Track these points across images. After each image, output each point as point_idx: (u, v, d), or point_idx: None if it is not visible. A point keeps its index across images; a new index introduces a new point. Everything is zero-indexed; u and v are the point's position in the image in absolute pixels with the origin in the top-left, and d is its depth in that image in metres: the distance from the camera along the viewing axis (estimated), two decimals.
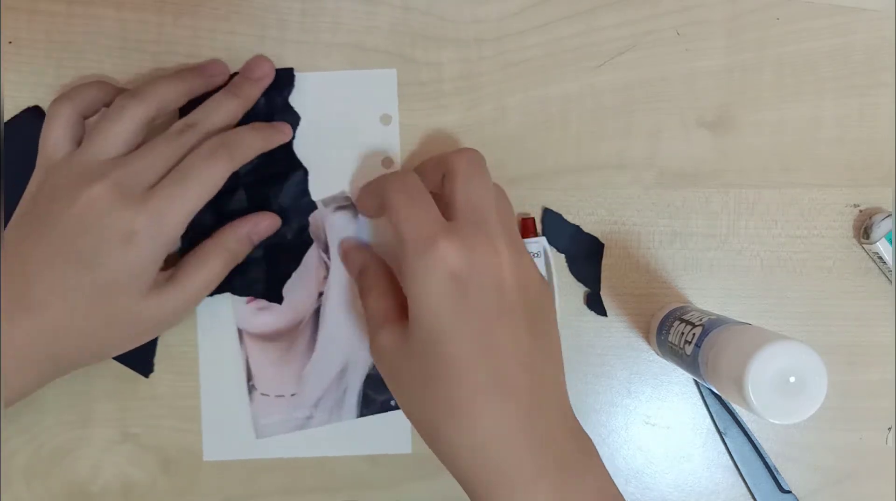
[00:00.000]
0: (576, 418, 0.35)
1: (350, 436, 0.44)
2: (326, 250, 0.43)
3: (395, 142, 0.43)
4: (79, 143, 0.38)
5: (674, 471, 0.45)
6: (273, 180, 0.42)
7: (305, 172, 0.43)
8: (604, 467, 0.34)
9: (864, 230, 0.43)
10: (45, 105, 0.42)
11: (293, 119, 0.43)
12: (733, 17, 0.44)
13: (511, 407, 0.32)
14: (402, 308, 0.36)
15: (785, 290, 0.44)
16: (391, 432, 0.44)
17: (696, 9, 0.44)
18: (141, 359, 0.43)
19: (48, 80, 0.43)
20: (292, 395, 0.43)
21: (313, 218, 0.43)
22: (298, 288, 0.43)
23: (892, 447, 0.44)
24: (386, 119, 0.43)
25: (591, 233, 0.44)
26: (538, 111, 0.44)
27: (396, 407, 0.43)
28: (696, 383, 0.44)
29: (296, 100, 0.43)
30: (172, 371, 0.43)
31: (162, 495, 0.44)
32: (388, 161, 0.43)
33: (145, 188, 0.36)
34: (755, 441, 0.44)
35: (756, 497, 0.44)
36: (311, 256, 0.43)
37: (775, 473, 0.44)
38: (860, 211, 0.44)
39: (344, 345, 0.43)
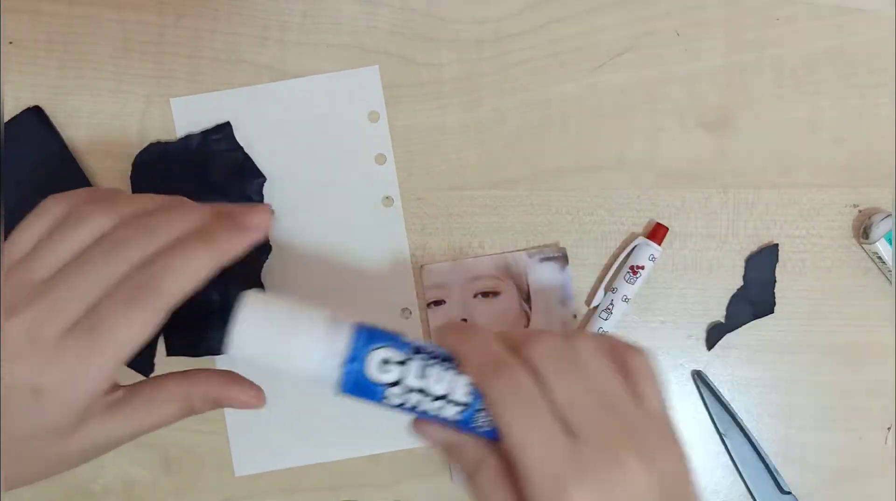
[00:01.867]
0: None
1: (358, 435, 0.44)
2: (528, 299, 0.43)
3: (385, 139, 0.44)
4: None
5: None
6: (232, 184, 0.42)
7: (264, 179, 0.43)
8: None
9: (863, 230, 0.43)
10: (45, 105, 0.43)
11: (255, 174, 0.43)
12: (733, 17, 0.44)
13: None
14: None
15: (784, 290, 0.44)
16: (392, 429, 0.44)
17: (695, 9, 0.44)
18: (141, 359, 0.43)
19: (49, 80, 0.43)
20: None
21: (515, 266, 0.43)
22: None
23: (891, 446, 0.44)
24: (374, 116, 0.43)
25: (591, 233, 0.44)
26: (538, 112, 0.44)
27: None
28: (696, 383, 0.44)
29: (283, 106, 0.43)
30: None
31: (163, 494, 0.44)
32: (381, 158, 0.44)
33: (62, 331, 0.29)
34: (755, 442, 0.44)
35: (756, 497, 0.44)
36: (512, 305, 0.43)
37: (775, 473, 0.44)
38: (859, 211, 0.44)
39: None
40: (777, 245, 0.44)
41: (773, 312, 0.44)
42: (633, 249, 0.43)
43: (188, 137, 0.43)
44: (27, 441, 0.31)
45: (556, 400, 0.29)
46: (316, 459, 0.44)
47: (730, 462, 0.44)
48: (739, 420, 0.44)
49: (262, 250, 0.42)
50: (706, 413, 0.44)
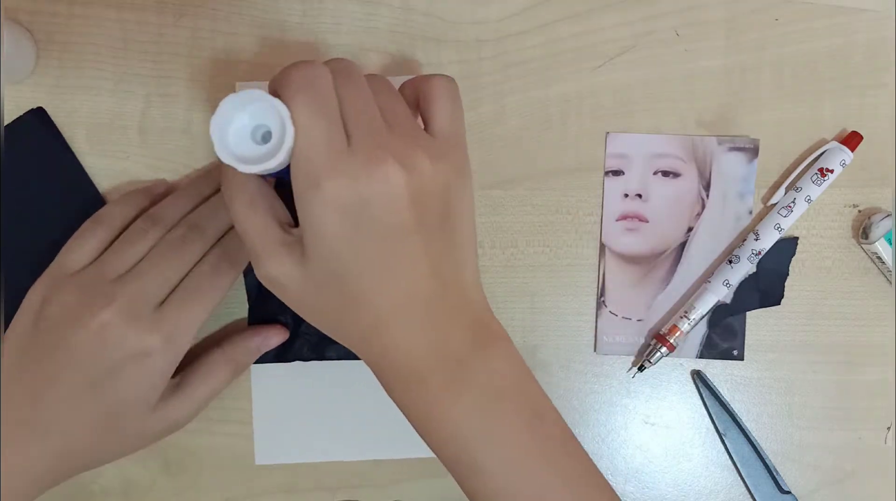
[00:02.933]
0: (485, 307, 0.35)
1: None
2: (708, 187, 0.43)
3: None
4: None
5: (673, 471, 0.45)
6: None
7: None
8: (504, 352, 0.35)
9: (862, 230, 0.43)
10: (46, 106, 0.42)
11: None
12: (732, 17, 0.44)
13: (415, 323, 0.33)
14: (286, 227, 0.34)
15: (785, 289, 0.44)
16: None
17: (695, 9, 0.44)
18: None
19: (49, 81, 0.43)
20: (638, 320, 0.44)
21: (702, 150, 0.43)
22: (670, 218, 0.43)
23: (891, 446, 0.44)
24: None
25: (591, 233, 0.44)
26: (538, 112, 0.44)
27: (737, 358, 0.44)
28: (695, 383, 0.44)
29: None
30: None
31: (162, 495, 0.44)
32: None
33: (154, 307, 0.37)
34: (754, 441, 0.44)
35: (755, 496, 0.44)
36: (691, 189, 0.44)
37: (775, 473, 0.44)
38: (859, 211, 0.44)
39: (699, 284, 0.44)
40: (797, 239, 0.44)
41: (779, 303, 0.44)
42: (824, 152, 0.43)
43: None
44: (120, 411, 0.37)
45: (343, 108, 0.32)
46: (339, 456, 0.44)
47: (729, 462, 0.44)
48: (739, 420, 0.44)
49: None
50: (706, 413, 0.44)
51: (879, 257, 0.43)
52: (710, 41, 0.44)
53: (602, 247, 0.44)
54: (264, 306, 0.43)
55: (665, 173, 0.44)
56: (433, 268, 0.33)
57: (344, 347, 0.35)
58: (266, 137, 0.32)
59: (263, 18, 0.43)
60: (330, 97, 0.32)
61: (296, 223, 0.33)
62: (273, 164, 0.31)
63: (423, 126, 0.35)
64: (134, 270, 0.38)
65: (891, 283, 0.44)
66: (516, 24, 0.43)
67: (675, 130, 0.44)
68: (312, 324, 0.35)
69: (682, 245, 0.44)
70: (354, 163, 0.31)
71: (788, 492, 0.44)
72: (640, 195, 0.44)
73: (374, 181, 0.31)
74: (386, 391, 0.35)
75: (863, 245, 0.44)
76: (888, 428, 0.44)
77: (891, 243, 0.42)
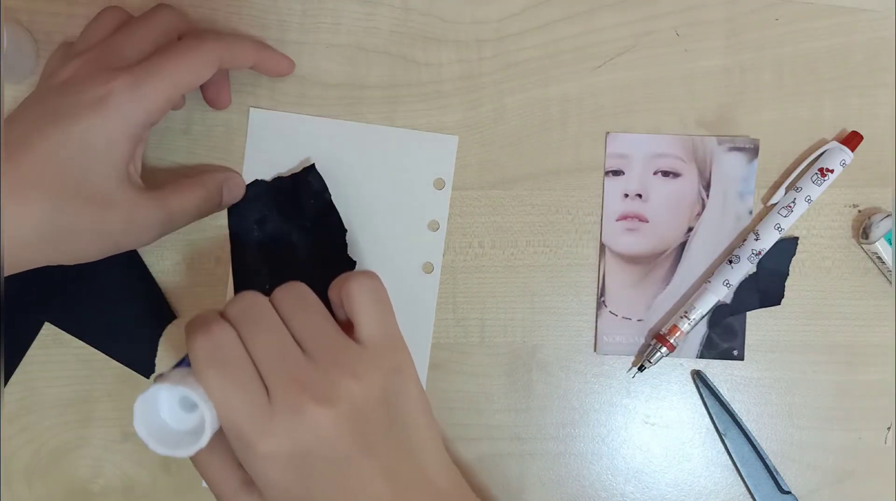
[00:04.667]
0: (456, 486, 0.35)
1: None
2: (708, 187, 0.43)
3: (444, 207, 0.44)
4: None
5: (673, 471, 0.45)
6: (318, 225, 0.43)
7: (346, 231, 0.43)
8: None
9: (862, 230, 0.43)
10: None
11: (338, 224, 0.43)
12: (732, 17, 0.44)
13: None
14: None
15: (785, 289, 0.44)
16: None
17: (695, 9, 0.44)
18: (141, 359, 0.43)
19: None
20: (638, 320, 0.44)
21: (702, 150, 0.43)
22: (670, 218, 0.44)
23: (891, 446, 0.44)
24: (439, 184, 0.44)
25: (591, 233, 0.44)
26: (538, 112, 0.44)
27: (737, 358, 0.44)
28: (696, 383, 0.44)
29: (349, 149, 0.43)
30: None
31: (163, 494, 0.44)
32: (434, 224, 0.44)
33: (125, 63, 0.36)
34: (754, 441, 0.44)
35: (755, 496, 0.44)
36: (691, 189, 0.44)
37: (774, 473, 0.44)
38: (859, 211, 0.44)
39: (699, 284, 0.44)
40: (797, 239, 0.44)
41: (779, 303, 0.44)
42: (824, 152, 0.43)
43: (280, 179, 0.43)
44: (88, 152, 0.35)
45: (256, 361, 0.32)
46: None
47: (729, 462, 0.44)
48: (739, 420, 0.44)
49: (338, 229, 0.43)
50: (706, 413, 0.44)
51: (879, 257, 0.43)
52: (710, 41, 0.44)
53: (602, 247, 0.44)
54: (244, 258, 0.43)
55: (665, 173, 0.44)
56: (389, 478, 0.33)
57: None
58: (193, 405, 0.32)
59: (263, 18, 0.43)
60: (238, 360, 0.32)
61: None
62: (205, 440, 0.31)
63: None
64: (116, 34, 0.37)
65: (891, 283, 0.44)
66: (516, 24, 0.43)
67: (675, 130, 0.44)
68: None
69: (682, 245, 0.44)
70: (280, 420, 0.31)
71: (788, 492, 0.44)
72: (640, 195, 0.44)
73: (303, 431, 0.31)
74: None
75: (863, 245, 0.44)
76: (888, 428, 0.45)
77: (891, 243, 0.42)
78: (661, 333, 0.43)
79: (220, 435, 0.32)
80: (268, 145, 0.43)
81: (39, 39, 0.43)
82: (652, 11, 0.44)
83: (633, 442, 0.45)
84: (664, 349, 0.43)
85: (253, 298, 0.34)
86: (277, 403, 0.31)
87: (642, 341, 0.44)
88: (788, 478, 0.44)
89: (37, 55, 0.42)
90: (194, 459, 0.34)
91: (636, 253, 0.44)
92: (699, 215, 0.44)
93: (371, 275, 0.35)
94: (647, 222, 0.44)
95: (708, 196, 0.44)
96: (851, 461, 0.44)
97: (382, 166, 0.43)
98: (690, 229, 0.44)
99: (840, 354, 0.44)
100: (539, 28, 0.43)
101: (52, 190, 0.34)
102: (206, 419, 0.31)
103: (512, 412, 0.44)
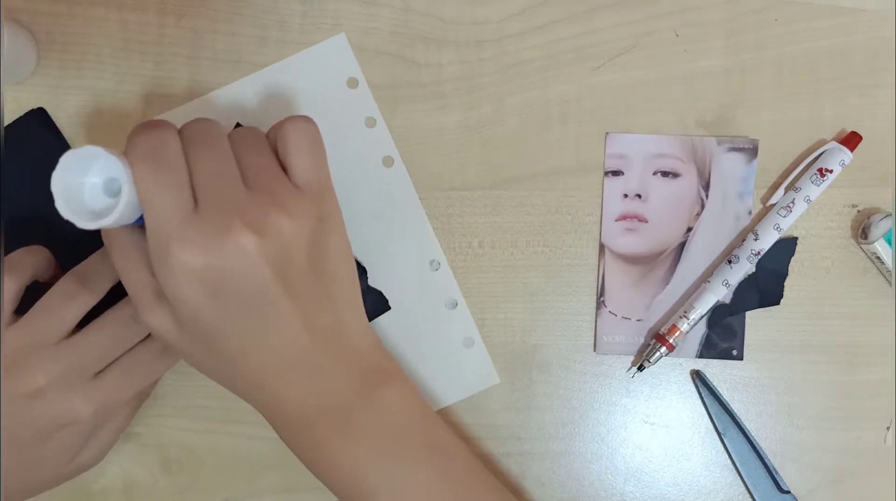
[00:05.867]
0: (374, 348, 0.35)
1: None
2: (707, 187, 0.44)
3: (371, 105, 0.43)
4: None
5: (672, 470, 0.45)
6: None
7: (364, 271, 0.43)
8: (397, 392, 0.35)
9: (862, 230, 0.43)
10: (47, 106, 0.43)
11: (382, 302, 0.43)
12: (732, 17, 0.44)
13: (293, 377, 0.33)
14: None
15: (784, 289, 0.44)
16: None
17: (694, 10, 0.44)
18: None
19: (50, 81, 0.43)
20: (638, 320, 0.44)
21: (702, 150, 0.43)
22: (670, 218, 0.44)
23: (890, 446, 0.45)
24: (353, 83, 0.43)
25: (591, 233, 0.44)
26: (538, 112, 0.44)
27: (736, 358, 0.44)
28: (695, 382, 0.44)
29: (264, 96, 0.42)
30: (174, 370, 0.43)
31: (163, 494, 0.44)
32: (370, 121, 0.43)
33: (93, 375, 0.36)
34: (754, 441, 0.44)
35: (755, 496, 0.44)
36: (690, 190, 0.44)
37: (774, 473, 0.44)
38: (858, 211, 0.44)
39: (698, 284, 0.44)
40: (796, 239, 0.44)
41: (779, 303, 0.44)
42: (823, 152, 0.43)
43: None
44: (39, 466, 0.36)
45: (193, 172, 0.31)
46: None
47: (729, 462, 0.44)
48: (738, 420, 0.44)
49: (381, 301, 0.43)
50: (705, 413, 0.44)
51: (879, 257, 0.43)
52: (710, 41, 0.44)
53: (602, 247, 0.44)
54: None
55: (665, 174, 0.44)
56: (306, 323, 0.32)
57: None
58: (118, 192, 0.31)
59: (263, 18, 0.43)
60: (175, 164, 0.31)
61: None
62: (110, 220, 0.30)
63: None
64: (77, 337, 0.36)
65: (890, 283, 0.44)
66: (516, 24, 0.43)
67: (674, 130, 0.44)
68: (203, 374, 0.35)
69: (682, 245, 0.44)
70: (202, 232, 0.30)
71: (788, 492, 0.44)
72: (639, 195, 0.44)
73: (226, 252, 0.30)
74: (280, 437, 0.35)
75: (862, 245, 0.44)
76: (888, 428, 0.45)
77: (890, 244, 0.42)
78: (661, 333, 0.43)
79: (143, 236, 0.32)
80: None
81: (40, 39, 0.43)
82: (652, 12, 0.44)
83: (633, 442, 0.45)
84: (663, 349, 0.43)
85: (209, 124, 0.33)
86: (205, 216, 0.30)
87: (642, 340, 0.44)
88: (788, 478, 0.44)
89: (37, 55, 0.43)
90: (114, 262, 0.33)
91: (636, 253, 0.44)
92: (698, 215, 0.44)
93: (307, 119, 0.34)
94: (647, 222, 0.44)
95: (707, 196, 0.44)
96: (851, 461, 0.45)
97: (293, 95, 0.43)
98: (690, 230, 0.44)
99: (839, 354, 0.44)
100: (539, 28, 0.44)
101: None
102: (123, 196, 0.30)
103: (512, 411, 0.44)
